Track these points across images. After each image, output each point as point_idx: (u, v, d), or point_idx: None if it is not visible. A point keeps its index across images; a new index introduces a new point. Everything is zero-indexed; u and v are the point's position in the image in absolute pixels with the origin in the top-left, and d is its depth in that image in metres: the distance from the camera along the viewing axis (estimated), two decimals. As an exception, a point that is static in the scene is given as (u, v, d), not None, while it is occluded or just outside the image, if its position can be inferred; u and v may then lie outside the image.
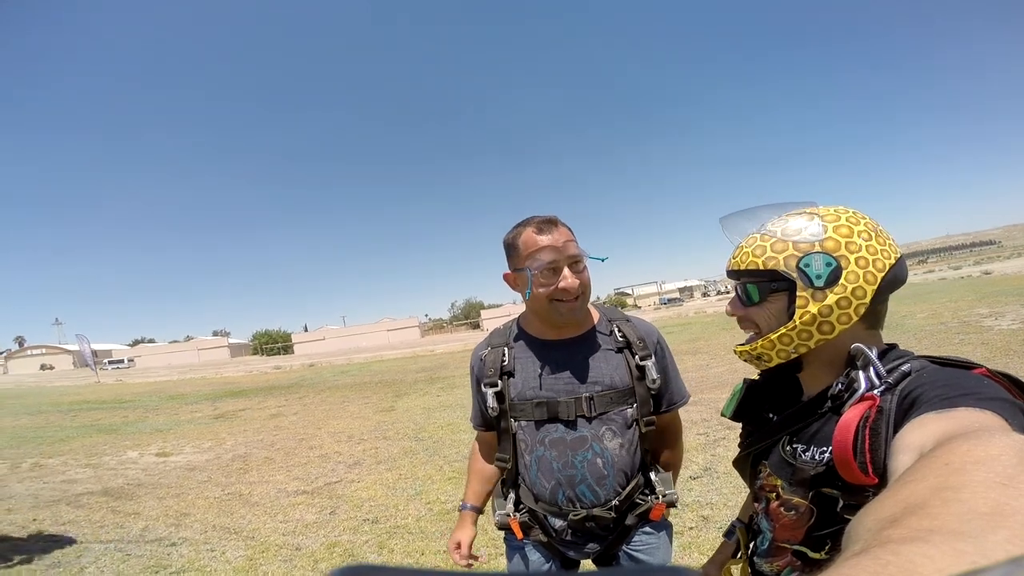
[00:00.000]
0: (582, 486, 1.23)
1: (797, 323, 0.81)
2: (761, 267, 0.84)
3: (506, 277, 1.34)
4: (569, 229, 1.27)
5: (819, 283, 0.79)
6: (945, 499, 0.35)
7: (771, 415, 0.97)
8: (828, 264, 0.79)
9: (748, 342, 0.90)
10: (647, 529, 1.31)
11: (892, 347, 0.83)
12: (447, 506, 3.84)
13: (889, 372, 0.74)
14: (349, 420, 8.12)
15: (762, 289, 0.86)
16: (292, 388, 14.30)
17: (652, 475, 1.29)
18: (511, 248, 1.29)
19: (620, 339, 1.30)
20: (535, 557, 1.34)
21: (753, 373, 1.09)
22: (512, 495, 1.35)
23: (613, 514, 1.23)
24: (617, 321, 1.34)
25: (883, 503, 0.39)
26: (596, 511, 1.23)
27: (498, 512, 1.37)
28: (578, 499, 1.24)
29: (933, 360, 0.75)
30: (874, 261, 0.79)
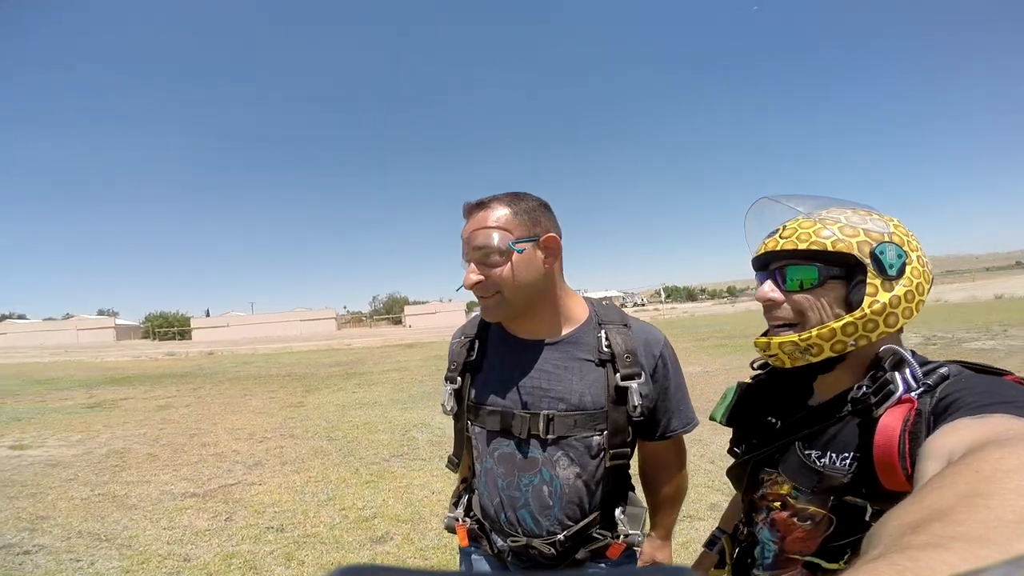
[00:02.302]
0: (523, 511, 1.07)
1: (867, 312, 0.77)
2: (829, 248, 0.78)
3: None
4: (511, 210, 1.05)
5: (892, 272, 0.77)
6: (972, 506, 0.35)
7: (773, 419, 0.91)
8: (899, 256, 0.78)
9: (794, 332, 0.81)
10: (602, 564, 1.13)
11: (912, 353, 0.81)
12: (365, 513, 3.54)
13: (926, 375, 0.72)
14: (251, 415, 7.44)
15: (822, 273, 0.79)
16: (186, 377, 13.04)
17: (617, 511, 1.11)
18: None
19: (605, 349, 1.08)
20: (482, 567, 1.19)
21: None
22: (465, 499, 1.23)
23: (554, 550, 1.06)
24: (609, 326, 1.11)
25: (907, 509, 0.38)
26: (536, 542, 1.06)
27: (448, 514, 1.24)
28: (519, 523, 1.08)
29: (966, 365, 0.74)
30: (926, 263, 0.81)
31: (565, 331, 1.12)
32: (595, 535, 1.09)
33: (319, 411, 7.50)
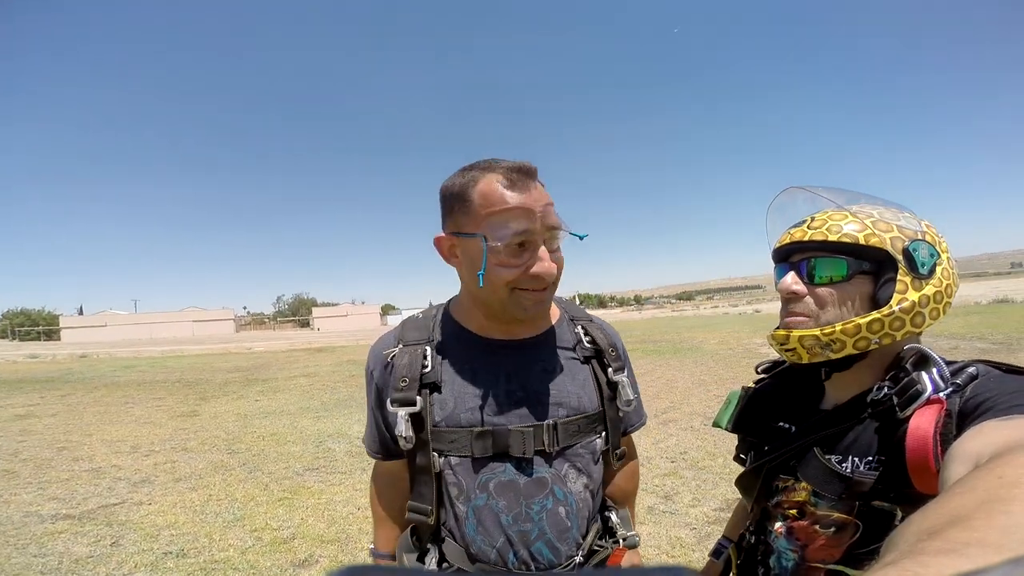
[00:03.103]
0: (539, 543, 0.91)
1: (895, 309, 0.75)
2: (861, 242, 0.77)
3: (439, 242, 0.94)
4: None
5: (923, 271, 0.76)
6: (991, 512, 0.34)
7: (785, 424, 0.90)
8: (931, 255, 0.77)
9: (818, 325, 0.80)
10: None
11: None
12: (281, 534, 3.23)
13: (954, 374, 0.71)
14: (134, 426, 6.63)
15: (851, 267, 0.78)
16: (52, 382, 11.43)
17: (612, 516, 1.04)
18: (458, 200, 0.89)
19: (587, 345, 1.01)
20: None
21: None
22: (433, 552, 0.96)
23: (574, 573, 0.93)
24: (582, 320, 1.06)
25: (927, 514, 0.38)
26: (556, 572, 0.91)
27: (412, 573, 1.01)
28: (533, 560, 0.91)
29: (993, 365, 0.73)
30: (954, 266, 0.81)
31: (543, 328, 1.02)
32: (595, 547, 1.00)
33: (216, 421, 6.85)
